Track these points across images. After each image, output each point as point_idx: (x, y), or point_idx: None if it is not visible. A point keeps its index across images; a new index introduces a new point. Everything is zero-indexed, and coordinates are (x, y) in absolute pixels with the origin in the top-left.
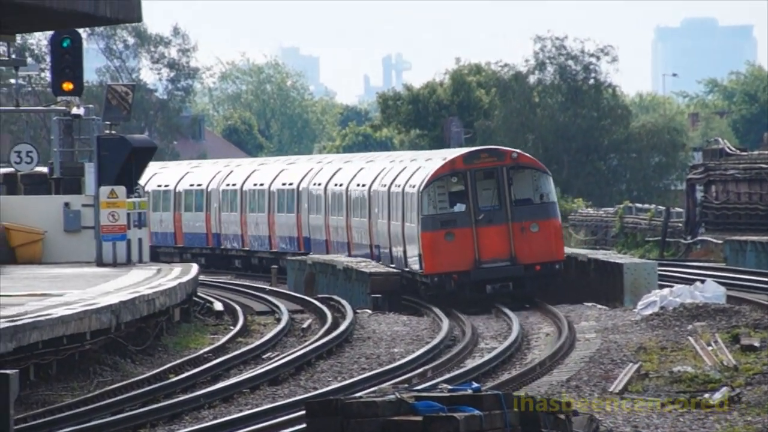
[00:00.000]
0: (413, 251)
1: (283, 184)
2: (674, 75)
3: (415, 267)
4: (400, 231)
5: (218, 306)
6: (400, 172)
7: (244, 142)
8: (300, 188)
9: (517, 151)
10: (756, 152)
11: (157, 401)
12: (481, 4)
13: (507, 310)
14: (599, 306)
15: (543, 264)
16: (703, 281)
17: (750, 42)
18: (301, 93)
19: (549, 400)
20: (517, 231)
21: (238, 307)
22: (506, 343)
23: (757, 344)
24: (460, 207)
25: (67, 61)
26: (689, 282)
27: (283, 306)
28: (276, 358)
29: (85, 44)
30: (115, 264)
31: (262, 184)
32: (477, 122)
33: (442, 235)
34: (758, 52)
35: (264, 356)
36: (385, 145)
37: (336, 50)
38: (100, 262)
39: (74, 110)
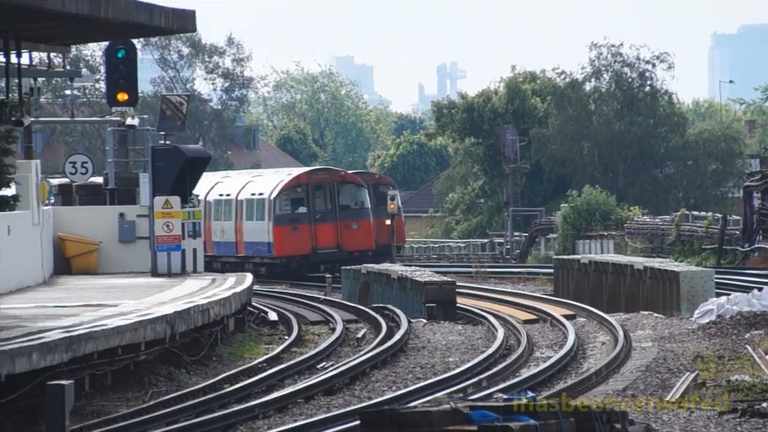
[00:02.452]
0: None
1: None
2: (731, 82)
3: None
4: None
5: (273, 316)
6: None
7: (299, 151)
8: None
9: (344, 170)
10: None
11: (211, 411)
12: (536, 11)
13: (562, 319)
14: (655, 314)
15: (360, 251)
16: (760, 289)
17: None
18: (355, 102)
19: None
20: (343, 227)
21: (292, 317)
22: (562, 352)
23: None
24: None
25: (121, 72)
26: (747, 290)
27: (337, 315)
28: (330, 368)
29: (139, 55)
30: (169, 274)
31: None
32: (532, 130)
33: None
34: None
35: (318, 366)
36: (439, 154)
37: (390, 59)
38: (154, 273)
39: (129, 121)
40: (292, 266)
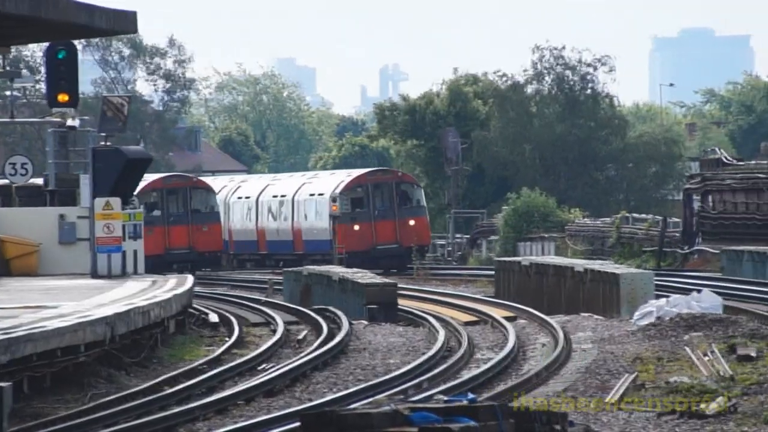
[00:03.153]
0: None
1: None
2: (671, 85)
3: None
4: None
5: (213, 317)
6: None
7: (240, 153)
8: None
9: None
10: (753, 162)
11: (151, 413)
12: (479, 14)
13: (503, 320)
14: (596, 316)
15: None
16: (699, 291)
17: (747, 52)
18: (297, 104)
19: (545, 410)
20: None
21: (233, 319)
22: (502, 354)
23: (753, 354)
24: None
25: (62, 73)
26: (686, 292)
27: (278, 317)
28: (271, 370)
29: (80, 56)
30: (110, 276)
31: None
32: (474, 132)
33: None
34: (755, 62)
35: (259, 368)
36: (381, 156)
37: (332, 61)
38: (95, 274)
39: (69, 122)
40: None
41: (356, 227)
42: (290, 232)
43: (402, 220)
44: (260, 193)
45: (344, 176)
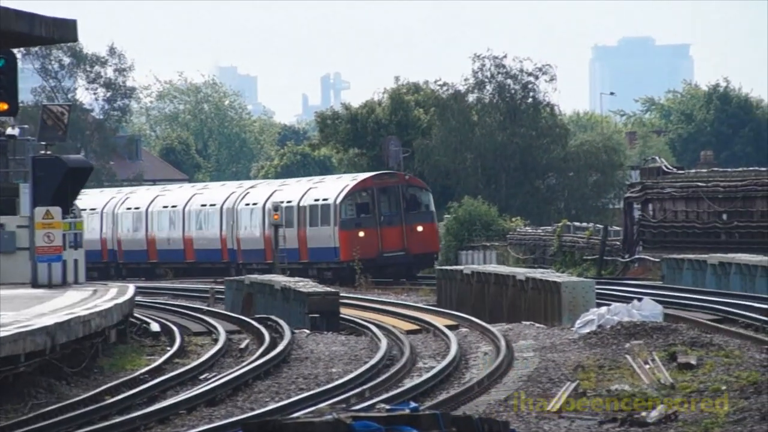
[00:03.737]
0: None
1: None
2: (612, 94)
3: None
4: None
5: (155, 327)
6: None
7: (182, 161)
8: None
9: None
10: (693, 171)
11: (92, 423)
12: (420, 23)
13: (445, 329)
14: (537, 325)
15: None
16: (640, 299)
17: (687, 61)
18: (239, 112)
19: (487, 418)
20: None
21: (175, 328)
22: (444, 363)
23: (693, 362)
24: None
25: (1, 82)
26: (627, 300)
27: (220, 326)
28: (213, 379)
29: (20, 64)
30: (50, 285)
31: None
32: (415, 141)
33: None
34: (695, 70)
35: (201, 377)
36: (323, 164)
37: (274, 70)
38: (35, 284)
39: (9, 131)
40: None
41: (361, 234)
42: (296, 239)
43: (409, 226)
44: (266, 200)
45: (349, 180)
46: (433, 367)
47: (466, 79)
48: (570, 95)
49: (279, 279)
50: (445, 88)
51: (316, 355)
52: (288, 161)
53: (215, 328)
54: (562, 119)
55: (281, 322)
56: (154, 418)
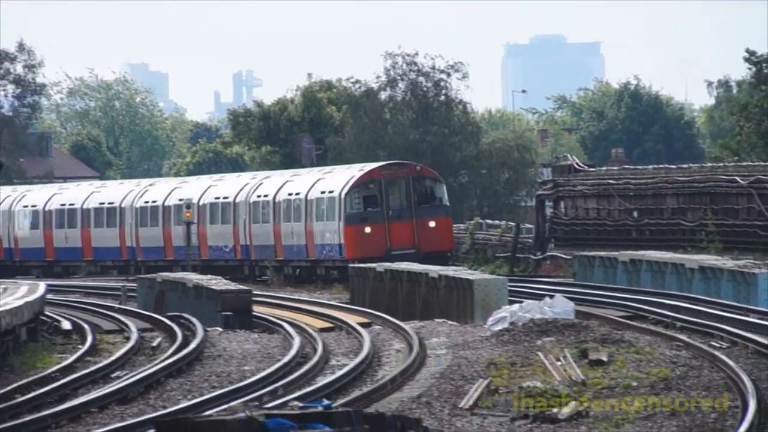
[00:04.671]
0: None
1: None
2: (523, 91)
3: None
4: None
5: (66, 325)
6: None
7: (92, 159)
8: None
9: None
10: (604, 168)
11: (2, 422)
12: (332, 20)
13: (358, 327)
14: (450, 322)
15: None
16: (552, 297)
17: (598, 59)
18: (150, 110)
19: (399, 416)
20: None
21: (86, 326)
22: (357, 360)
23: (604, 359)
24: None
25: None
26: (539, 298)
27: (132, 324)
28: (125, 377)
29: None
30: None
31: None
32: (328, 139)
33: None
34: (606, 68)
35: (113, 375)
36: (236, 162)
37: (186, 67)
38: None
39: None
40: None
41: (367, 229)
42: (303, 235)
43: (420, 221)
44: (276, 192)
45: (356, 171)
46: (346, 365)
47: (378, 77)
48: (482, 93)
49: (191, 277)
50: (357, 85)
51: (229, 353)
52: (200, 159)
53: (127, 326)
54: (475, 117)
55: (194, 320)
56: (65, 416)
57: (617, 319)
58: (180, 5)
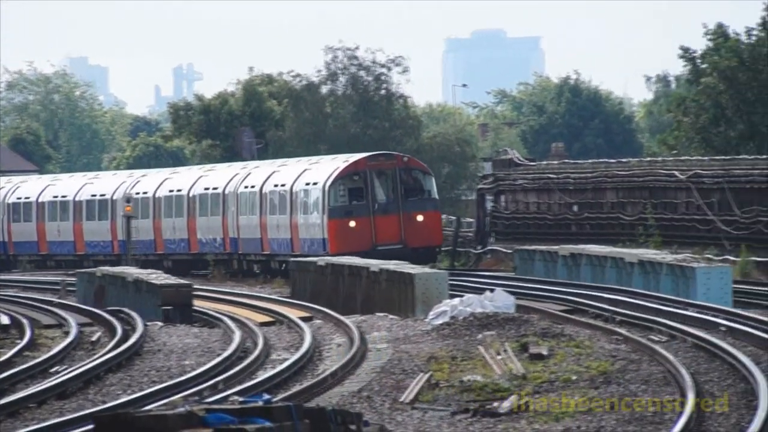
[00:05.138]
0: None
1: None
2: (464, 86)
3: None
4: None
5: (4, 319)
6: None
7: (32, 152)
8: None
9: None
10: (544, 162)
11: None
12: (272, 14)
13: (299, 321)
14: (391, 316)
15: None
16: (492, 290)
17: (538, 53)
18: (90, 103)
19: (340, 410)
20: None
21: (24, 321)
22: (298, 354)
23: (545, 353)
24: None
25: None
26: (479, 291)
27: (71, 319)
28: (64, 372)
29: None
30: None
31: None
32: (269, 133)
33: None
34: (546, 63)
35: (52, 370)
36: (176, 156)
37: (126, 60)
38: None
39: None
40: None
41: (352, 224)
42: (288, 229)
43: (407, 215)
44: (264, 183)
45: (341, 162)
46: (287, 359)
47: (319, 71)
48: (423, 87)
49: (131, 271)
50: (298, 79)
51: (169, 347)
52: (140, 152)
53: (66, 320)
54: (415, 111)
55: (134, 314)
56: (3, 411)
57: (557, 313)
58: None
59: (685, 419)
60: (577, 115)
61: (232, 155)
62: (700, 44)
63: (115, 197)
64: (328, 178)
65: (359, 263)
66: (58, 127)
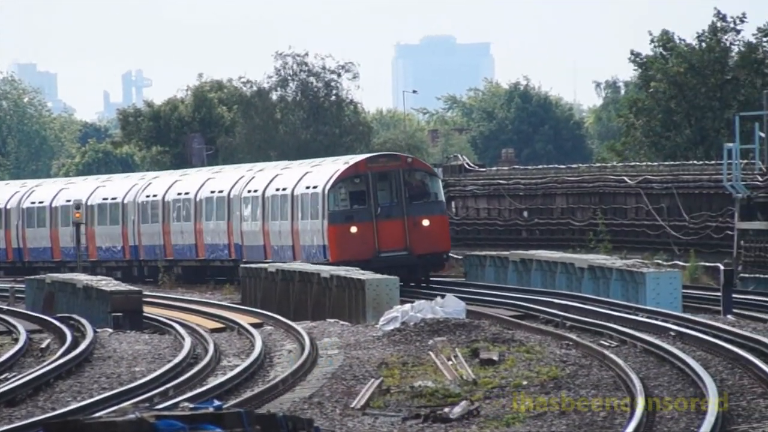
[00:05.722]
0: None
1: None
2: (414, 92)
3: None
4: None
5: None
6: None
7: None
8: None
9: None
10: (494, 168)
11: None
12: (221, 20)
13: (249, 327)
14: (342, 322)
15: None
16: (443, 296)
17: (487, 59)
18: (38, 110)
19: (291, 416)
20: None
21: None
22: (249, 361)
23: (495, 358)
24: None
25: None
26: (430, 297)
27: (20, 326)
28: (13, 379)
29: None
30: None
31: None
32: (219, 139)
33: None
34: (496, 69)
35: (1, 377)
36: (126, 162)
37: (74, 67)
38: None
39: None
40: None
41: (353, 229)
42: (290, 236)
43: (413, 219)
44: (266, 187)
45: (341, 164)
46: (238, 366)
47: (269, 77)
48: (373, 93)
49: (81, 278)
50: (248, 85)
51: (119, 354)
52: (89, 159)
53: (15, 327)
54: (366, 117)
55: (83, 321)
56: None
57: (508, 318)
58: (68, 4)
59: (634, 424)
60: (526, 121)
61: (181, 162)
62: (648, 50)
63: (126, 201)
64: (328, 181)
65: (310, 269)
66: (6, 133)
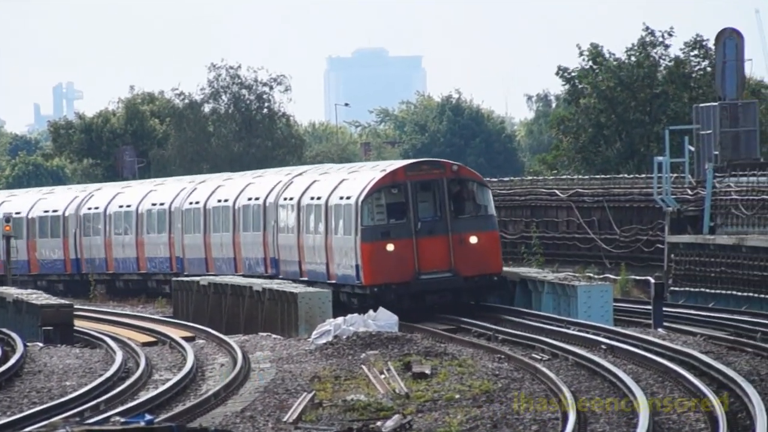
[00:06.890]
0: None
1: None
2: (346, 105)
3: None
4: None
5: None
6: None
7: None
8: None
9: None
10: None
11: None
12: (151, 31)
13: (181, 341)
14: (274, 336)
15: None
16: (376, 310)
17: (420, 72)
18: None
19: (223, 430)
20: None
21: None
22: (180, 375)
23: (428, 372)
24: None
25: None
26: (363, 311)
27: None
28: None
29: None
30: None
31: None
32: (151, 151)
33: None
34: (427, 82)
35: None
36: (56, 175)
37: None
38: None
39: None
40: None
41: (390, 247)
42: (324, 252)
43: (459, 236)
44: (301, 195)
45: (377, 172)
46: (169, 379)
47: (202, 89)
48: (306, 106)
49: (11, 291)
50: (181, 97)
51: (50, 368)
52: (20, 171)
53: None
54: (298, 130)
55: (13, 334)
56: None
57: (440, 332)
58: None
59: None
60: (458, 134)
61: (113, 174)
62: (578, 64)
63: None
64: (362, 191)
65: (242, 282)
66: None
